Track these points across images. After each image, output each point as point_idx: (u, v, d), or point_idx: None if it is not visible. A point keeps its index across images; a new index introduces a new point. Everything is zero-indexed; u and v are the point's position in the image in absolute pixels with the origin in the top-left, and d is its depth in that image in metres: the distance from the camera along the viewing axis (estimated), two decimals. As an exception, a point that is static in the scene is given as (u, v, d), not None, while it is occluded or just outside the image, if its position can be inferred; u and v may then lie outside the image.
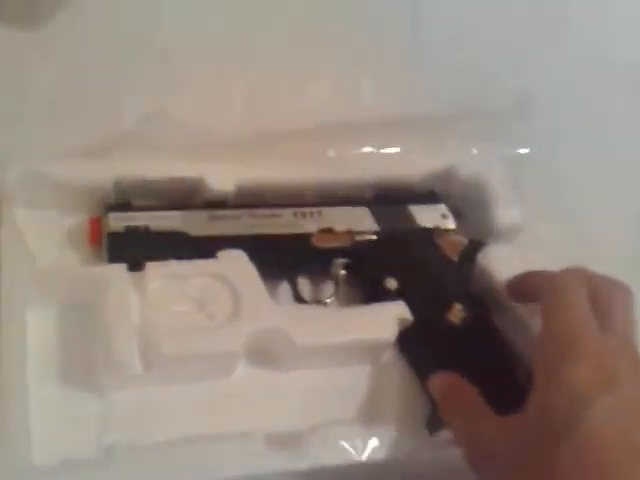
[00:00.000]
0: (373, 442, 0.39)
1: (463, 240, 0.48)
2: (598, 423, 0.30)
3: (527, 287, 0.42)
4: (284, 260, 0.46)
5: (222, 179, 0.45)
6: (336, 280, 0.46)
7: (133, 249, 0.43)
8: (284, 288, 0.46)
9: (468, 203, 0.50)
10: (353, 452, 0.38)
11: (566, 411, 0.31)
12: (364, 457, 0.38)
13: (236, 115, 0.49)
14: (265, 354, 0.41)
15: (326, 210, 0.47)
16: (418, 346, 0.44)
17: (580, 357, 0.33)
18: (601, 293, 0.37)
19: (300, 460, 0.37)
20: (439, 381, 0.40)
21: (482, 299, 0.46)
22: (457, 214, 0.50)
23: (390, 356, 0.44)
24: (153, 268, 0.41)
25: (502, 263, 0.45)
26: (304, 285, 0.47)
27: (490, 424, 0.36)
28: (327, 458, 0.38)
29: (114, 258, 0.42)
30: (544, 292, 0.39)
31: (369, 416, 0.42)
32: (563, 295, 0.37)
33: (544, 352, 0.35)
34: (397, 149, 0.50)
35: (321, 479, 0.38)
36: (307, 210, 0.47)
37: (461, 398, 0.38)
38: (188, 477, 0.36)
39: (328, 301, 0.46)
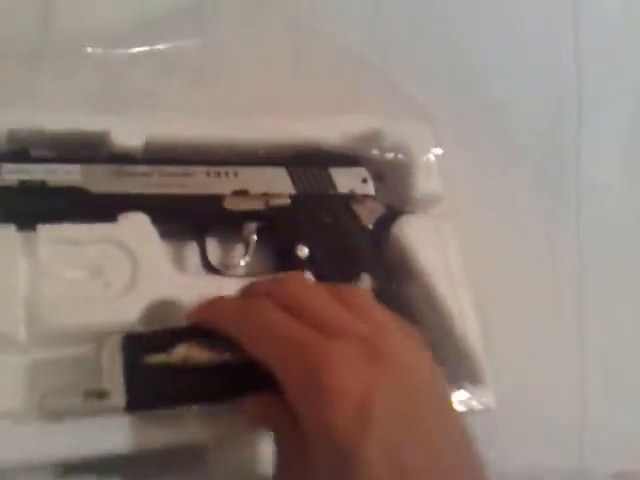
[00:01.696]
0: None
1: (380, 208, 0.47)
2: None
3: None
4: (193, 223, 0.44)
5: (129, 133, 0.42)
6: (247, 244, 0.45)
7: (26, 207, 0.40)
8: (193, 249, 0.45)
9: (390, 168, 0.48)
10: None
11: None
12: None
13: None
14: (164, 324, 0.40)
15: (242, 170, 0.45)
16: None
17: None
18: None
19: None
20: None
21: (391, 270, 0.45)
22: (379, 178, 0.49)
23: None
24: (45, 231, 0.38)
25: (415, 234, 0.45)
26: (214, 248, 0.45)
27: None
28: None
29: (4, 217, 0.39)
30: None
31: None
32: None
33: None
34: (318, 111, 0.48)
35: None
36: (222, 170, 0.45)
37: None
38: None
39: (242, 264, 0.44)
